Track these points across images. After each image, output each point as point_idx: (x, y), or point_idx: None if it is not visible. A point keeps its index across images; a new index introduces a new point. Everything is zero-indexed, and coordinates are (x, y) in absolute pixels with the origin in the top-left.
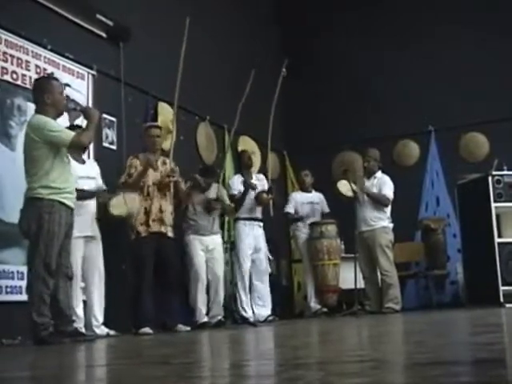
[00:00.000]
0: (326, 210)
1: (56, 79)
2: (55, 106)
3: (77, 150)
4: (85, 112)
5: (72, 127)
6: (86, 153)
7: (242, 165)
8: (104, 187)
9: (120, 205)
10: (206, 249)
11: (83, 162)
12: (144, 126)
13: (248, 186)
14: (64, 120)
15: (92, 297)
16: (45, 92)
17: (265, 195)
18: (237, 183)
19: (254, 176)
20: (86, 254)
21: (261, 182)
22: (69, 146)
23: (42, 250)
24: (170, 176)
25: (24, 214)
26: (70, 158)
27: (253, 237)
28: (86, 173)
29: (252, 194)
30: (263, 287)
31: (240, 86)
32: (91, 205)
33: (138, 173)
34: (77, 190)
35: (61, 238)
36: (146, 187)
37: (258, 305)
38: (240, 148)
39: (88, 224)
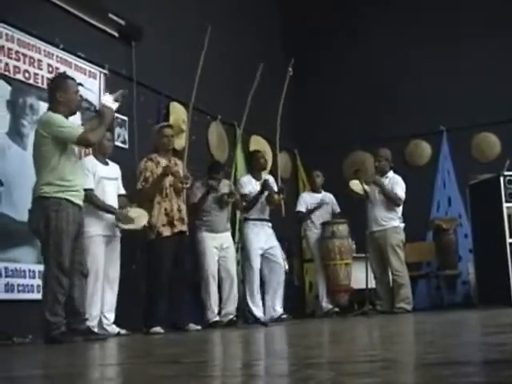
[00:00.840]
0: (337, 209)
1: (71, 78)
2: (68, 104)
3: (84, 146)
4: (99, 111)
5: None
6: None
7: (255, 166)
8: (123, 191)
9: (128, 220)
10: (221, 247)
11: (106, 163)
12: (157, 126)
13: (268, 186)
14: (76, 119)
15: (106, 296)
16: (58, 90)
17: (276, 196)
18: (248, 183)
19: (263, 176)
20: (108, 253)
21: (273, 183)
22: (76, 141)
23: (52, 248)
24: (183, 183)
25: (32, 214)
26: (77, 158)
27: (264, 236)
28: (107, 173)
29: (262, 195)
30: (277, 287)
31: (251, 85)
32: (113, 204)
33: (157, 180)
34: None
35: (71, 235)
36: (164, 189)
37: (270, 304)
38: (252, 148)
39: (109, 223)
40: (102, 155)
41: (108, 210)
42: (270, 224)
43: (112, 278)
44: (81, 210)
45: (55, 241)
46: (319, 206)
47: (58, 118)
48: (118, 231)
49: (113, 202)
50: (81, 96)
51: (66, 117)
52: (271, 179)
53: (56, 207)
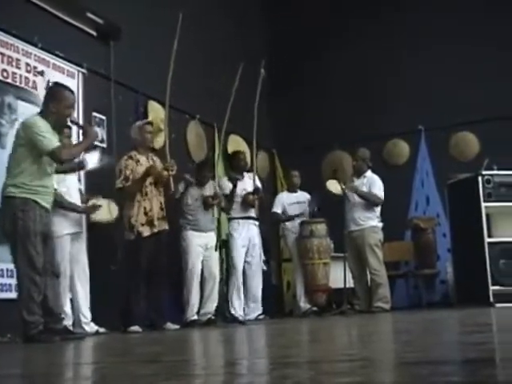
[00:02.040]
0: (313, 207)
1: (70, 90)
2: (58, 116)
3: (53, 160)
4: (84, 130)
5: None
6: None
7: (236, 166)
8: (81, 187)
9: (104, 212)
10: (205, 246)
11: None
12: (139, 122)
13: (235, 179)
14: None
15: (78, 294)
16: (52, 100)
17: (250, 196)
18: (226, 183)
19: (245, 175)
20: (72, 251)
21: (250, 181)
22: (47, 153)
23: (21, 248)
24: (168, 170)
25: (0, 215)
26: (52, 167)
27: (247, 236)
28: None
29: (244, 193)
30: (255, 286)
31: (230, 86)
32: (76, 199)
33: (139, 179)
34: (61, 203)
35: (39, 234)
36: (144, 187)
37: (249, 303)
38: (230, 148)
39: (74, 220)
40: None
41: (74, 208)
42: (256, 222)
43: (82, 276)
44: (48, 213)
45: (23, 240)
46: (300, 214)
47: (42, 125)
48: (82, 228)
49: (76, 197)
50: (69, 115)
51: (54, 127)
52: (251, 175)
53: (22, 207)
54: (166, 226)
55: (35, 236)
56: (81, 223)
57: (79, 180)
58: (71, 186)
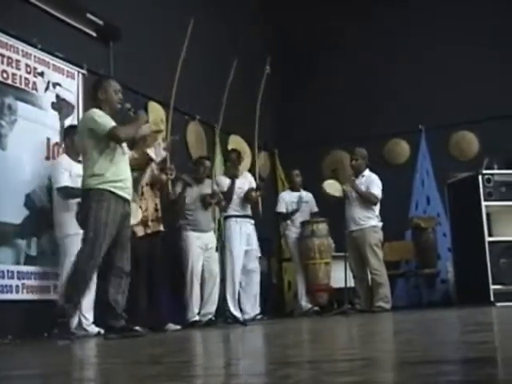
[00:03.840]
0: (315, 209)
1: (112, 78)
2: (108, 102)
3: (112, 140)
4: (135, 113)
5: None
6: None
7: (231, 163)
8: None
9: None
10: (206, 247)
11: (80, 161)
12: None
13: (232, 176)
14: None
15: (84, 296)
16: (98, 89)
17: (253, 193)
18: (224, 181)
19: (241, 174)
20: None
21: (247, 180)
22: (106, 134)
23: (89, 239)
24: (167, 173)
25: (78, 207)
26: (124, 149)
27: (244, 235)
28: (81, 171)
29: (241, 192)
30: (252, 286)
31: (231, 86)
32: None
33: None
34: (69, 187)
35: (110, 226)
36: (140, 187)
37: (246, 304)
38: (230, 147)
39: None
40: (76, 154)
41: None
42: (252, 221)
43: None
44: (127, 204)
45: (93, 230)
46: (298, 207)
47: (96, 111)
48: None
49: None
50: (120, 99)
51: (110, 116)
52: (249, 176)
53: (98, 197)
54: (160, 228)
55: (106, 227)
56: None
57: None
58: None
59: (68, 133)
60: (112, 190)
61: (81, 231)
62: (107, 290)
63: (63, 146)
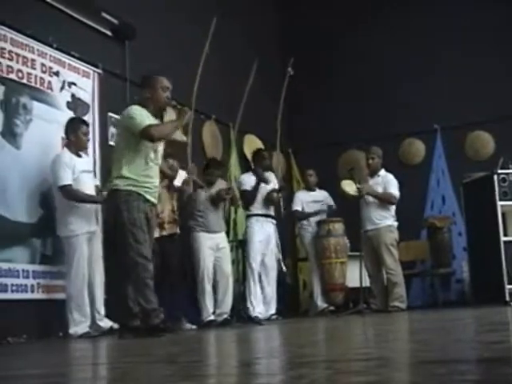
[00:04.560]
0: (331, 203)
1: (163, 75)
2: (154, 100)
3: (146, 140)
4: (180, 110)
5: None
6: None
7: (259, 165)
8: (98, 182)
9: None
10: (217, 247)
11: (80, 156)
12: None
13: (261, 178)
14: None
15: (95, 291)
16: (146, 87)
17: (275, 194)
18: (248, 179)
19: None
20: (90, 250)
21: (272, 181)
22: (139, 133)
23: (130, 237)
24: (189, 173)
25: (105, 209)
26: (158, 155)
27: (264, 234)
28: (84, 167)
29: (265, 191)
30: (269, 286)
31: (246, 85)
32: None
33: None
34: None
35: (143, 225)
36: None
37: (263, 302)
38: (246, 147)
39: (90, 219)
40: (79, 149)
41: (92, 200)
42: (274, 221)
43: (99, 274)
44: (153, 207)
45: (130, 229)
46: (318, 212)
47: (136, 109)
48: (98, 226)
49: (92, 193)
50: (168, 97)
51: (155, 115)
52: (273, 177)
53: (126, 198)
54: (176, 230)
55: (141, 225)
56: (96, 221)
57: (95, 175)
58: (86, 183)
59: (71, 126)
60: (141, 192)
61: (84, 230)
62: (127, 289)
63: (65, 142)
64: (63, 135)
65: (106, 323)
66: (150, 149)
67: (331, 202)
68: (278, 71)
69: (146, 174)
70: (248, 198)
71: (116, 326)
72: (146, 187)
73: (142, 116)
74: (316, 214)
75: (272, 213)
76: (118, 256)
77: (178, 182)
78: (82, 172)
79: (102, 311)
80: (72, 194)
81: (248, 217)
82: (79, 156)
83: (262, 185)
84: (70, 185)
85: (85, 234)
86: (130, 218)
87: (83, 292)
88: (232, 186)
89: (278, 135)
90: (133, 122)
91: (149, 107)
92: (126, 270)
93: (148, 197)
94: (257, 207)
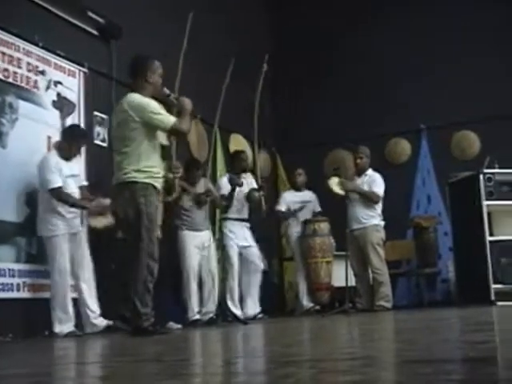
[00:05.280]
0: (318, 209)
1: (156, 59)
2: (154, 86)
3: (175, 136)
4: (178, 101)
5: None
6: (74, 151)
7: (237, 166)
8: (85, 183)
9: (99, 218)
10: (202, 246)
11: (68, 159)
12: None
13: (234, 182)
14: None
15: (83, 291)
16: (147, 69)
17: (256, 193)
18: (225, 183)
19: (243, 177)
20: (74, 250)
21: (247, 180)
22: (169, 129)
23: (144, 236)
24: (174, 172)
25: (119, 202)
26: (164, 141)
27: (242, 235)
28: (70, 171)
29: (241, 195)
30: (253, 285)
31: (231, 84)
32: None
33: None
34: (64, 192)
35: (157, 221)
36: None
37: (247, 302)
38: (231, 146)
39: (73, 221)
40: (70, 155)
41: (82, 205)
42: (248, 224)
43: (87, 273)
44: (158, 195)
45: (146, 227)
46: (301, 208)
47: (151, 102)
48: (80, 227)
49: (75, 194)
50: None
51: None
52: (250, 178)
53: (144, 192)
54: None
55: (156, 223)
56: (78, 223)
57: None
58: (70, 188)
59: (72, 135)
60: (154, 183)
61: (64, 231)
62: (128, 283)
63: (56, 143)
64: (49, 134)
65: (101, 322)
66: (157, 138)
67: (317, 208)
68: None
69: (158, 165)
70: (225, 202)
71: (111, 323)
72: (157, 178)
73: (163, 110)
74: (300, 209)
75: (245, 216)
76: (127, 252)
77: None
78: (67, 177)
79: (96, 309)
80: (63, 197)
81: (223, 220)
82: (67, 160)
83: (237, 190)
84: (61, 187)
85: (65, 234)
86: (148, 213)
87: (66, 292)
88: (211, 188)
89: (255, 133)
90: (160, 118)
91: (144, 93)
92: (135, 271)
93: (159, 187)
94: (232, 211)
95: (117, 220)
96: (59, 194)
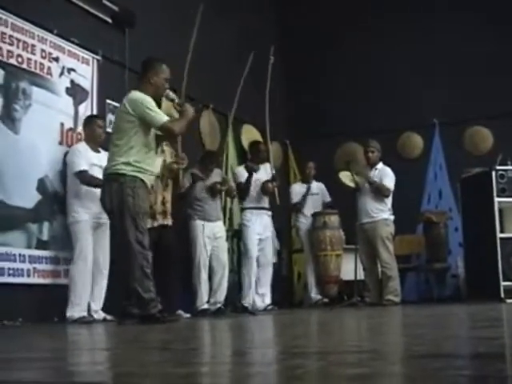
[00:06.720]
0: (328, 199)
1: (165, 63)
2: (155, 88)
3: (165, 134)
4: (181, 106)
5: None
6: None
7: (255, 157)
8: None
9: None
10: (214, 236)
11: (98, 151)
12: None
13: (250, 169)
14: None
15: (96, 282)
16: (151, 71)
17: (269, 184)
18: (242, 172)
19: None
20: (96, 240)
21: (266, 171)
22: (160, 127)
23: (132, 225)
24: (178, 163)
25: (106, 191)
26: (161, 147)
27: (260, 225)
28: (98, 161)
29: (259, 183)
30: (265, 277)
31: (243, 74)
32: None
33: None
34: (89, 174)
35: (146, 214)
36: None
37: (258, 294)
38: (244, 137)
39: (100, 210)
40: (94, 143)
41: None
42: (269, 212)
43: (102, 265)
44: (147, 190)
45: (133, 217)
46: (306, 194)
47: (148, 99)
48: (104, 219)
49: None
50: (166, 88)
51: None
52: (268, 168)
53: (132, 184)
54: (168, 222)
55: (143, 214)
56: (102, 214)
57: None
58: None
59: (88, 122)
60: (142, 178)
61: (87, 218)
62: (128, 277)
63: (83, 134)
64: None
65: (99, 315)
66: (152, 137)
67: (327, 198)
68: (279, 63)
69: (149, 162)
70: (242, 191)
71: (109, 317)
72: (147, 173)
73: (158, 109)
74: (305, 196)
75: (266, 205)
76: (116, 243)
77: (156, 169)
78: (94, 165)
79: (99, 304)
80: (87, 179)
81: (242, 210)
82: (96, 151)
83: (254, 178)
84: (86, 170)
85: (87, 221)
86: (135, 205)
87: (84, 278)
88: (226, 177)
89: (267, 124)
90: (152, 115)
91: (147, 92)
92: (127, 258)
93: (148, 184)
94: (251, 200)
95: (104, 210)
96: (84, 177)
